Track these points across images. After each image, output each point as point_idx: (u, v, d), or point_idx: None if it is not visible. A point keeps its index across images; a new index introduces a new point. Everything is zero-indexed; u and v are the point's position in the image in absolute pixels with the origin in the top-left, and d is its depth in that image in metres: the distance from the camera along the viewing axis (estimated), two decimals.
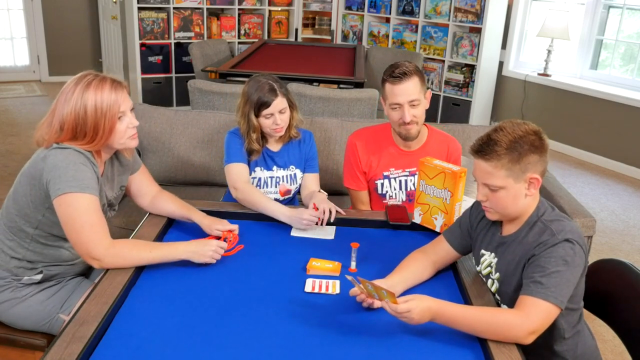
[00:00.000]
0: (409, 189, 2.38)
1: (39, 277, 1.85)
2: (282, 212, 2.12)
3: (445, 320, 1.51)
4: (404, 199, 2.40)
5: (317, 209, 2.12)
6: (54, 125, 1.75)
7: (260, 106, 2.24)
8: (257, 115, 2.26)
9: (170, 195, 2.12)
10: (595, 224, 2.47)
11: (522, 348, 1.49)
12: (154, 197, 2.10)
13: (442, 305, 1.51)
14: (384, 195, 2.41)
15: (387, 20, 6.62)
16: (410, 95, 2.19)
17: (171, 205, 2.08)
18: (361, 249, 1.91)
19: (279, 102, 2.25)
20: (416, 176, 2.07)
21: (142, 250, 1.77)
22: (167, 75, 6.23)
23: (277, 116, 2.26)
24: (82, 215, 1.68)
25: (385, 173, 2.38)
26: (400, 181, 2.38)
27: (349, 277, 1.60)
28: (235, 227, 2.00)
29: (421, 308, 1.48)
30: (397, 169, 2.37)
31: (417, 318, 1.48)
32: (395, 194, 2.40)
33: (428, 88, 2.30)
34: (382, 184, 2.39)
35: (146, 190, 2.09)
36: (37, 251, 1.84)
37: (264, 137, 2.36)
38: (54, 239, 1.83)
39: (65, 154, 1.71)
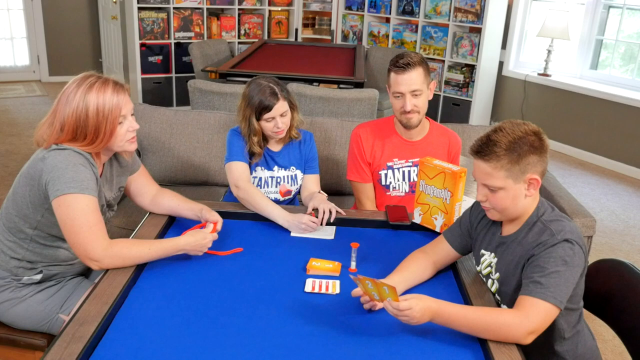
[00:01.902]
0: (412, 180, 2.43)
1: (38, 277, 1.85)
2: (281, 216, 2.13)
3: (445, 320, 1.51)
4: (407, 190, 2.43)
5: (314, 215, 2.13)
6: (55, 126, 1.74)
7: (262, 110, 2.23)
8: (258, 119, 2.26)
9: (171, 192, 2.12)
10: (595, 224, 2.47)
11: (522, 348, 1.49)
12: (155, 195, 2.10)
13: (441, 305, 1.51)
14: (387, 187, 2.43)
15: (387, 20, 6.62)
16: (412, 86, 2.24)
17: (174, 200, 2.08)
18: (361, 249, 1.91)
19: (281, 106, 2.24)
20: (419, 167, 2.11)
21: (140, 248, 1.77)
22: (167, 75, 6.23)
23: (278, 120, 2.25)
24: (81, 216, 1.68)
25: (389, 163, 2.42)
26: (403, 172, 2.42)
27: (353, 277, 1.59)
28: (218, 220, 1.99)
29: (421, 307, 1.47)
30: (400, 159, 2.41)
31: (417, 316, 1.47)
32: (399, 185, 2.43)
33: (432, 79, 2.35)
34: (386, 175, 2.42)
35: (146, 189, 2.09)
36: (37, 251, 1.83)
37: (265, 138, 2.36)
38: (53, 239, 1.83)
39: (64, 155, 1.71)
